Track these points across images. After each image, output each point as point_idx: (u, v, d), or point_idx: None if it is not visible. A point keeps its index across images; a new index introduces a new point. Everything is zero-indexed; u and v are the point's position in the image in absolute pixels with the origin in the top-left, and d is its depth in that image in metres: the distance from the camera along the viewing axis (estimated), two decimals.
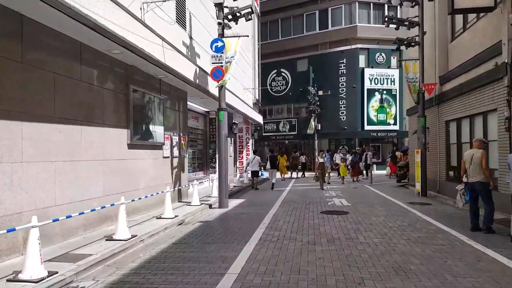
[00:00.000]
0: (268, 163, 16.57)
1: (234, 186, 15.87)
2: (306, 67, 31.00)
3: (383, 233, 6.63)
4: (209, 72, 10.76)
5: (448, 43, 11.98)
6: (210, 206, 10.72)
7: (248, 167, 16.34)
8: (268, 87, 32.77)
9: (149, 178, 9.41)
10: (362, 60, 29.58)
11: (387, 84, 29.47)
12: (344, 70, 29.60)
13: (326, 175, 16.81)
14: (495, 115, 8.59)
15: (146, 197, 8.27)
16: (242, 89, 18.82)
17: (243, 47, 18.96)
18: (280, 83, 32.63)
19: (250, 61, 21.36)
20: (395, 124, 29.58)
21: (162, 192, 8.79)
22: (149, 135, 9.37)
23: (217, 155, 12.63)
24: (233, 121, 17.81)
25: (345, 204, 10.63)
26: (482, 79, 9.12)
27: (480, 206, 6.83)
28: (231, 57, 10.12)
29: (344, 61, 29.57)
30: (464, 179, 6.78)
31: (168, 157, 10.61)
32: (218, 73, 10.05)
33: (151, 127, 9.46)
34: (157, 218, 8.47)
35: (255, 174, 15.71)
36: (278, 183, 18.09)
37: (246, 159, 21.71)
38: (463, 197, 6.82)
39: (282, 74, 32.47)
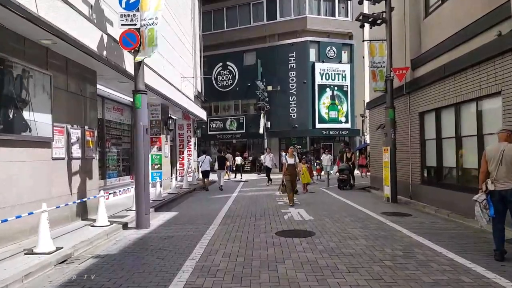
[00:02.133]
0: (216, 164, 15.84)
1: (169, 193, 12.94)
2: (254, 60, 28.69)
3: (377, 276, 4.23)
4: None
5: (421, 21, 10.12)
6: (125, 225, 7.77)
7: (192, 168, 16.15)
8: (213, 81, 29.99)
9: (23, 190, 6.27)
10: (312, 54, 27.93)
11: (338, 79, 28.08)
12: (294, 64, 27.73)
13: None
14: (497, 100, 6.67)
15: (4, 221, 5.17)
16: (180, 78, 15.88)
17: (182, 29, 16.06)
18: (227, 77, 29.97)
19: (190, 47, 18.45)
20: (346, 122, 28.30)
21: (58, 208, 5.72)
22: (22, 126, 6.23)
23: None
24: (169, 115, 14.83)
25: (306, 217, 8.24)
26: (475, 56, 7.20)
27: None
28: (151, 19, 7.25)
29: (294, 54, 27.70)
30: (490, 186, 4.63)
31: (63, 158, 7.49)
32: (131, 39, 7.16)
33: (27, 115, 6.33)
34: (25, 254, 5.41)
35: (206, 174, 15.08)
36: (223, 190, 15.44)
37: (188, 160, 18.88)
38: (486, 211, 4.66)
39: (229, 67, 29.85)
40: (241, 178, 21.07)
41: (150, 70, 10.98)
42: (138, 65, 7.67)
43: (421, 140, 9.92)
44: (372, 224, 7.32)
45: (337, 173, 14.60)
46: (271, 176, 17.02)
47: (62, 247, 5.70)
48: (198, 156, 21.74)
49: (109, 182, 11.67)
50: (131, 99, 13.13)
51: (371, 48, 10.83)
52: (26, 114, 6.30)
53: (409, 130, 10.53)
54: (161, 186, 13.24)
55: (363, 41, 12.79)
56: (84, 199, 7.76)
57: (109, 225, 7.40)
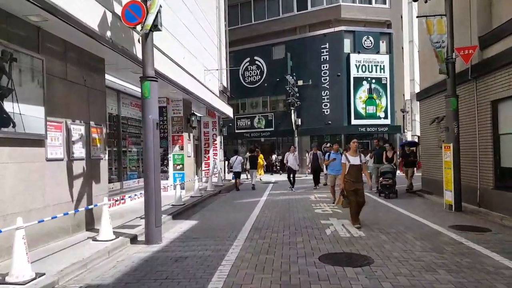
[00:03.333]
0: (248, 163, 15.90)
1: (191, 196, 11.67)
2: (283, 54, 27.09)
3: None
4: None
5: None
6: (134, 239, 6.50)
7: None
8: (240, 77, 28.68)
9: (6, 199, 5.10)
10: (347, 44, 25.95)
11: (376, 72, 25.96)
12: (327, 56, 25.88)
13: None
14: None
15: None
16: (203, 71, 14.60)
17: (205, 18, 14.77)
18: (254, 72, 28.55)
19: (215, 38, 17.13)
20: (386, 117, 26.12)
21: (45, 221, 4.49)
22: (2, 120, 5.05)
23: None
24: (192, 112, 13.58)
25: (354, 232, 6.62)
26: None
27: None
28: None
29: (327, 46, 25.84)
30: None
31: (61, 159, 6.31)
32: (135, 12, 5.84)
33: (8, 106, 5.14)
34: None
35: (237, 175, 15.23)
36: (250, 191, 14.06)
37: (213, 160, 17.64)
38: None
39: (256, 62, 28.42)
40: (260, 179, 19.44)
41: (168, 59, 9.74)
42: (145, 41, 6.33)
43: (494, 135, 8.02)
44: (445, 244, 5.59)
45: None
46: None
47: (44, 274, 4.45)
48: (224, 155, 20.60)
49: (126, 184, 10.57)
50: None
51: (428, 25, 8.98)
52: (7, 106, 5.11)
53: (476, 123, 8.63)
54: (182, 188, 12.04)
55: (417, 17, 10.89)
56: (90, 207, 6.54)
57: (114, 239, 6.14)
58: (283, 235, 6.50)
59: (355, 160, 7.19)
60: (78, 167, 6.79)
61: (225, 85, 19.16)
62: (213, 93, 15.12)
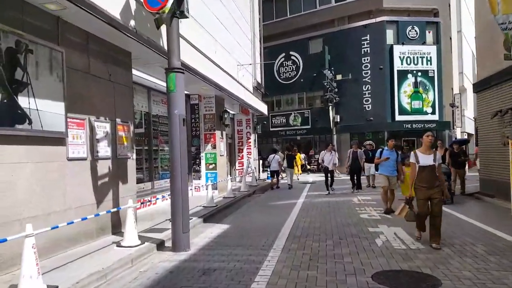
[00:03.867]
0: (285, 162, 15.48)
1: (224, 197, 11.10)
2: (320, 47, 25.97)
3: None
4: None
5: None
6: (161, 244, 5.97)
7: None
8: (275, 73, 27.91)
9: (21, 202, 4.71)
10: (390, 35, 24.39)
11: (422, 64, 24.20)
12: (368, 49, 24.47)
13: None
14: None
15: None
16: (236, 65, 14.00)
17: (238, 9, 14.16)
18: (290, 68, 27.65)
19: (248, 31, 16.47)
20: (433, 113, 24.31)
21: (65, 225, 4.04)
22: (17, 117, 4.65)
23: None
24: (225, 109, 13.02)
25: (409, 242, 5.70)
26: None
27: None
28: None
29: (368, 37, 24.43)
30: None
31: (84, 158, 5.90)
32: None
33: (24, 102, 4.74)
34: None
35: (274, 174, 15.10)
36: (286, 192, 13.33)
37: (247, 159, 17.05)
38: None
39: (292, 57, 27.49)
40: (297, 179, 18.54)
41: (198, 53, 9.20)
42: (169, 28, 5.76)
43: None
44: None
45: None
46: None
47: (57, 286, 3.97)
48: (259, 154, 19.94)
49: (157, 184, 10.17)
50: (185, 90, 11.59)
51: (492, 3, 7.77)
52: (22, 101, 4.71)
53: None
54: (215, 189, 11.53)
55: None
56: (112, 210, 6.07)
57: (139, 244, 5.63)
58: (326, 245, 5.70)
59: (426, 160, 5.47)
60: (103, 167, 6.37)
61: (259, 81, 18.48)
62: (247, 89, 14.50)
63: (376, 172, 11.58)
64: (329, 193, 12.26)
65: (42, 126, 5.00)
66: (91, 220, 5.68)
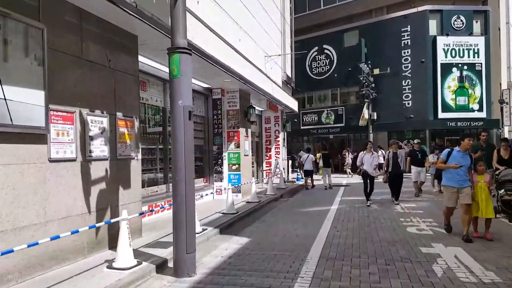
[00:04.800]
0: (321, 161, 15.17)
1: (247, 202, 9.96)
2: (356, 40, 24.29)
3: None
4: None
5: None
6: (161, 266, 4.89)
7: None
8: (307, 68, 26.47)
9: None
10: (433, 26, 22.39)
11: (468, 56, 22.03)
12: (408, 41, 22.55)
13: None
14: None
15: None
16: (263, 57, 12.80)
17: None
18: (323, 62, 26.10)
19: (277, 20, 15.19)
20: (480, 110, 22.09)
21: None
22: None
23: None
24: (250, 104, 11.87)
25: (476, 270, 4.34)
26: None
27: None
28: None
29: (408, 28, 22.51)
30: None
31: (72, 159, 4.92)
32: None
33: None
34: None
35: (309, 173, 14.75)
36: (318, 195, 12.03)
37: (275, 159, 15.86)
38: None
39: (325, 51, 25.93)
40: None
41: (218, 38, 8.08)
42: (174, 4, 4.65)
43: None
44: None
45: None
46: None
47: None
48: (289, 154, 18.67)
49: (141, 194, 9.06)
50: (204, 84, 10.56)
51: None
52: None
53: None
54: (239, 192, 10.45)
55: None
56: (98, 224, 5.05)
57: (134, 266, 4.59)
58: (369, 274, 4.39)
59: None
60: (98, 170, 5.37)
61: (289, 75, 17.16)
62: (275, 83, 13.27)
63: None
64: (369, 205, 9.60)
65: (11, 120, 4.04)
66: (83, 233, 4.70)
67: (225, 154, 10.91)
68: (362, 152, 10.27)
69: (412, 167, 11.23)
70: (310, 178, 14.83)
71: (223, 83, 10.20)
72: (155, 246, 5.64)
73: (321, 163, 15.21)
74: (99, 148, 5.39)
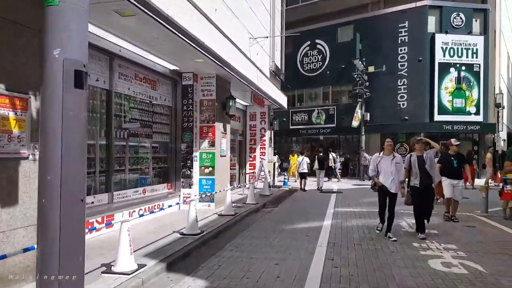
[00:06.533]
0: (316, 163, 15.42)
1: (220, 214, 8.06)
2: (351, 35, 22.68)
3: None
4: None
5: None
6: None
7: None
8: (298, 64, 24.76)
9: None
10: (432, 22, 20.99)
11: (467, 56, 20.70)
12: (406, 37, 21.05)
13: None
14: None
15: None
16: (248, 38, 10.94)
17: None
18: (315, 58, 24.41)
19: (266, 0, 13.29)
20: (477, 113, 20.82)
21: None
22: None
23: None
24: (230, 95, 9.98)
25: None
26: None
27: None
28: None
29: (406, 24, 21.02)
30: None
31: None
32: None
33: None
34: None
35: (303, 176, 14.90)
36: (309, 202, 10.26)
37: (260, 161, 14.08)
38: None
39: (318, 46, 24.25)
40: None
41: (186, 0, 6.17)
42: None
43: None
44: None
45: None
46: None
47: None
48: (275, 155, 16.98)
49: (120, 196, 7.12)
50: (172, 66, 8.62)
51: None
52: None
53: None
54: (211, 201, 8.63)
55: None
56: None
57: None
58: None
59: None
60: None
61: (279, 66, 15.31)
62: (262, 72, 11.41)
63: None
64: (389, 238, 6.24)
65: None
66: None
67: (196, 154, 9.01)
68: (377, 154, 6.76)
69: (444, 178, 8.03)
70: (304, 180, 14.89)
71: (195, 66, 8.30)
72: None
73: (316, 165, 15.34)
74: None
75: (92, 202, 6.25)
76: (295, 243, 6.03)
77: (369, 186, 7.20)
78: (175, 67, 8.36)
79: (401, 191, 6.48)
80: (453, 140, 8.20)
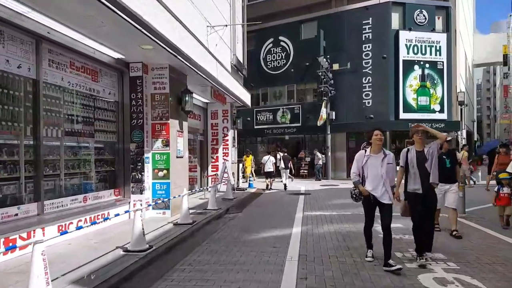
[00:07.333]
0: (282, 163, 15.38)
1: (175, 224, 7.02)
2: (314, 32, 22.26)
3: None
4: None
5: None
6: None
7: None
8: (262, 62, 24.05)
9: None
10: (395, 19, 20.95)
11: (430, 54, 20.82)
12: (370, 34, 20.86)
13: None
14: None
15: None
16: (205, 26, 9.95)
17: None
18: (278, 56, 23.77)
19: None
20: (441, 111, 20.97)
21: None
22: None
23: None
24: (187, 89, 8.93)
25: None
26: None
27: None
28: None
29: (370, 21, 20.84)
30: None
31: None
32: None
33: None
34: None
35: (269, 174, 15.02)
36: (275, 205, 9.42)
37: (223, 162, 13.12)
38: None
39: (282, 43, 23.64)
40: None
41: None
42: None
43: None
44: None
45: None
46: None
47: None
48: (238, 156, 16.09)
49: (54, 205, 5.94)
50: (118, 54, 7.46)
51: None
52: None
53: None
54: (167, 208, 7.59)
55: None
56: None
57: None
58: None
59: None
60: None
61: (241, 60, 14.41)
62: (222, 65, 10.44)
63: None
64: (371, 258, 5.00)
65: None
66: None
67: (148, 156, 7.89)
68: (362, 152, 5.11)
69: None
70: (270, 180, 15.05)
71: (144, 54, 7.20)
72: None
73: (282, 165, 15.26)
74: None
75: (16, 214, 5.05)
76: (261, 258, 5.12)
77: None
78: (120, 56, 7.21)
79: (395, 198, 4.91)
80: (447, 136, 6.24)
